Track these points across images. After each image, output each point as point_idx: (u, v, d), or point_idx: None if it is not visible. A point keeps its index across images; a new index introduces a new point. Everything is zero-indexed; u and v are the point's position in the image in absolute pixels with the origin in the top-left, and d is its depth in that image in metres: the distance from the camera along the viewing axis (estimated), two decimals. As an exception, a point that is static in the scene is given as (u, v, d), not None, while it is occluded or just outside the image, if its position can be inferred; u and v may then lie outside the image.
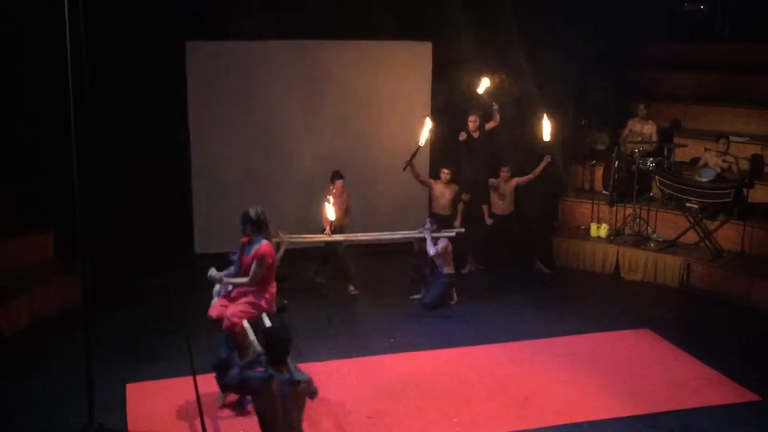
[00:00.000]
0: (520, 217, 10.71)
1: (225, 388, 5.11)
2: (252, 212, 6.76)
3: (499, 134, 10.69)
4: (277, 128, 10.85)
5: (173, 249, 10.35)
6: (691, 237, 10.60)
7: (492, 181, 10.52)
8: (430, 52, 11.34)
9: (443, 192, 10.17)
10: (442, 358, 8.18)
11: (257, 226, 6.76)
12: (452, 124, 10.73)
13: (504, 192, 10.54)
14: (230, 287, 6.88)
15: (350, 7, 10.51)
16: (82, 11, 6.08)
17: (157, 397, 7.22)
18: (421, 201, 10.99)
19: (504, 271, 10.62)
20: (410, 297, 9.69)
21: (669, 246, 10.62)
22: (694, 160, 11.25)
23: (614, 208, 11.13)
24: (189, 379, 6.12)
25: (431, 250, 9.22)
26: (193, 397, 6.18)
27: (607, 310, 9.50)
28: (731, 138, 10.78)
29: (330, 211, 8.93)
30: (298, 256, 9.66)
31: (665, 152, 11.08)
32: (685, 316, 9.53)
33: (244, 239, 6.86)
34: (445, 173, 10.12)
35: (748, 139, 11.24)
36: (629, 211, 11.00)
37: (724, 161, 10.57)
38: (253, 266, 6.70)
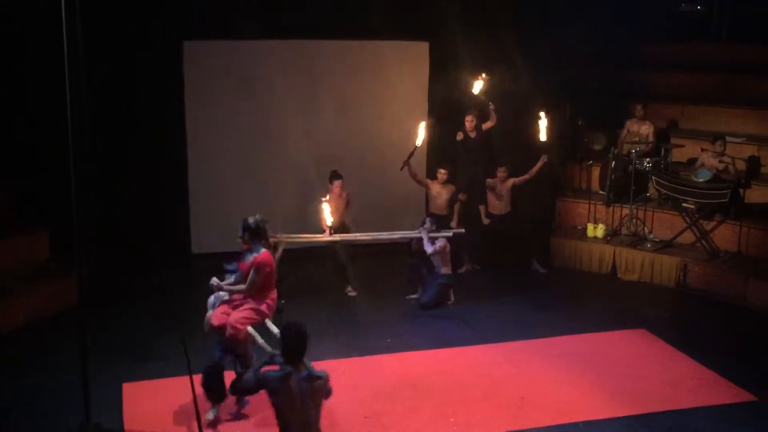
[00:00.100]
0: (516, 218, 10.72)
1: (241, 391, 5.08)
2: (251, 220, 6.73)
3: (496, 134, 10.69)
4: (275, 128, 10.85)
5: (170, 249, 10.34)
6: (688, 237, 10.62)
7: (489, 181, 10.53)
8: (427, 52, 11.35)
9: (440, 192, 10.17)
10: (439, 358, 8.18)
11: (256, 235, 6.74)
12: (449, 124, 10.73)
13: (501, 192, 10.55)
14: (226, 296, 6.84)
15: (347, 7, 10.51)
16: (80, 11, 6.08)
17: (154, 396, 7.22)
18: (418, 201, 11.00)
19: (501, 272, 10.62)
20: (407, 297, 9.69)
21: (666, 246, 10.63)
22: (691, 161, 11.27)
23: (611, 208, 11.15)
24: (186, 379, 6.09)
25: (428, 248, 9.22)
26: (190, 396, 6.16)
27: (603, 310, 9.51)
28: (728, 138, 10.81)
29: (327, 214, 8.90)
30: (296, 256, 9.66)
31: (662, 152, 11.09)
32: (682, 316, 9.54)
33: (244, 246, 6.85)
34: (441, 173, 10.12)
35: (744, 139, 11.26)
36: (626, 211, 11.01)
37: (720, 162, 10.59)
38: (251, 274, 6.70)
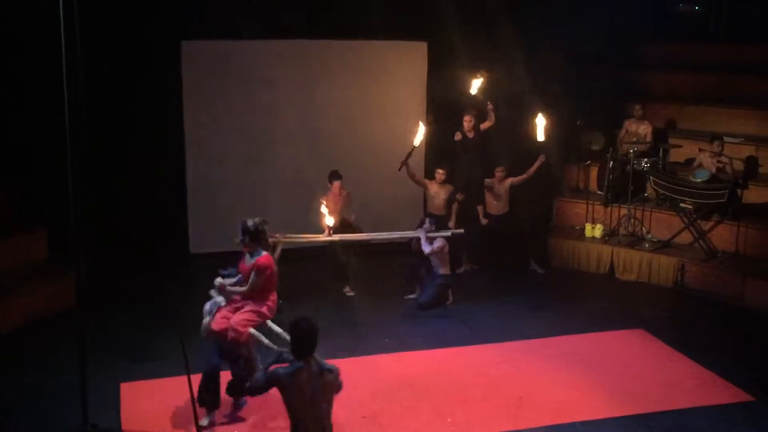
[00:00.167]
0: (514, 218, 10.72)
1: (250, 391, 5.06)
2: (250, 224, 6.69)
3: (494, 134, 10.70)
4: (272, 127, 10.86)
5: (168, 248, 10.33)
6: (686, 237, 10.63)
7: (487, 181, 10.53)
8: (425, 52, 11.35)
9: (438, 192, 10.17)
10: (437, 358, 8.18)
11: (256, 238, 6.73)
12: (447, 124, 10.73)
13: (499, 192, 10.55)
14: (223, 303, 6.81)
15: (346, 6, 10.51)
16: (78, 11, 6.08)
17: (152, 396, 7.22)
18: (416, 201, 11.00)
19: (499, 272, 10.62)
20: (405, 297, 9.69)
21: (663, 246, 10.64)
22: (689, 161, 11.28)
23: (609, 208, 11.16)
24: (183, 379, 6.09)
25: (426, 248, 9.22)
26: (188, 396, 6.16)
27: (601, 311, 9.51)
28: (726, 139, 10.81)
29: (327, 216, 8.87)
30: (294, 256, 9.65)
31: (660, 153, 11.10)
32: (680, 316, 9.55)
33: (245, 249, 6.84)
34: (439, 173, 10.11)
35: (742, 140, 11.28)
36: (624, 211, 11.02)
37: (718, 162, 10.60)
38: (252, 277, 6.69)
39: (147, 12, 9.83)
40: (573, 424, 6.89)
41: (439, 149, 10.99)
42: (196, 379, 6.57)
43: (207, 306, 6.80)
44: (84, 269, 6.50)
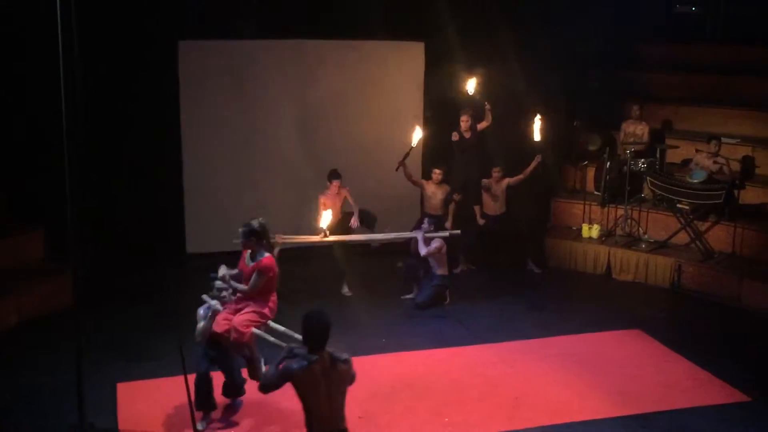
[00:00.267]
0: (512, 218, 10.73)
1: (264, 388, 5.02)
2: (256, 224, 6.65)
3: (491, 134, 10.70)
4: (270, 128, 10.85)
5: (165, 248, 10.32)
6: (682, 238, 10.64)
7: (485, 181, 10.54)
8: (422, 52, 11.35)
9: (435, 192, 10.17)
10: (434, 358, 8.18)
11: (263, 237, 6.71)
12: (444, 125, 10.73)
13: (496, 192, 10.56)
14: (219, 307, 6.78)
15: (343, 7, 10.50)
16: (75, 11, 6.07)
17: (148, 397, 7.21)
18: (413, 201, 10.99)
19: (496, 272, 10.63)
20: (402, 297, 9.69)
21: (660, 247, 10.65)
22: (686, 162, 11.29)
23: (606, 209, 11.16)
24: (180, 379, 6.10)
25: (422, 250, 9.22)
26: (184, 397, 6.17)
27: (598, 311, 9.52)
28: (722, 139, 10.83)
29: (324, 220, 8.84)
30: (292, 256, 9.64)
31: (657, 153, 11.12)
32: (676, 317, 9.55)
33: (244, 251, 6.81)
34: (436, 173, 10.12)
35: (739, 140, 11.28)
36: (621, 212, 11.03)
37: (715, 162, 10.61)
38: (254, 277, 6.67)
39: (144, 12, 9.81)
40: (570, 424, 6.89)
41: (436, 149, 10.98)
42: (193, 379, 6.57)
43: (201, 311, 6.75)
44: (81, 269, 6.49)
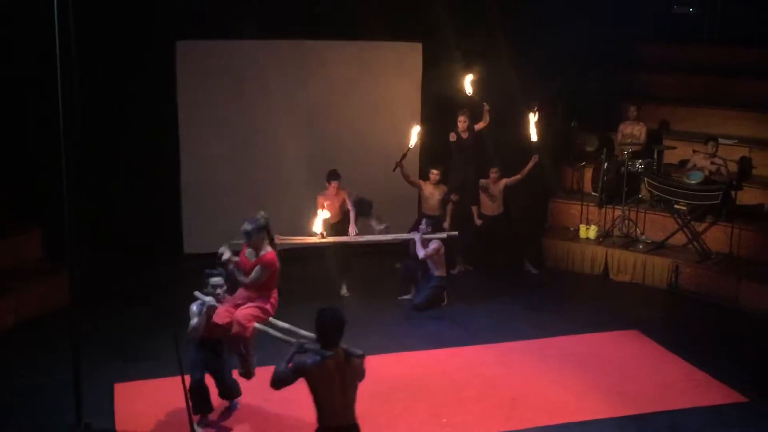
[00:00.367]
0: (509, 218, 10.74)
1: (275, 384, 4.99)
2: (261, 219, 6.66)
3: (489, 135, 10.70)
4: (268, 128, 10.85)
5: (163, 248, 10.31)
6: (680, 239, 10.64)
7: (482, 181, 10.54)
8: (420, 52, 11.36)
9: (432, 193, 10.16)
10: (432, 358, 8.18)
11: (267, 231, 6.71)
12: (442, 125, 10.74)
13: (493, 193, 10.56)
14: (214, 303, 6.73)
15: (341, 7, 10.51)
16: (72, 12, 6.07)
17: (146, 397, 7.21)
18: (411, 202, 10.99)
19: (493, 272, 10.63)
20: (400, 297, 9.69)
21: (657, 247, 10.66)
22: (683, 162, 11.30)
23: (603, 209, 11.16)
24: (177, 379, 6.10)
25: (421, 252, 9.19)
26: (182, 397, 6.17)
27: (595, 312, 9.52)
28: (720, 140, 10.83)
29: (317, 223, 8.81)
30: (291, 256, 9.62)
31: (654, 154, 11.13)
32: (674, 318, 9.57)
33: (245, 247, 6.79)
34: (434, 174, 10.11)
35: (736, 141, 11.30)
36: (618, 212, 11.04)
37: (712, 163, 10.62)
38: (257, 270, 6.65)
39: (141, 12, 9.81)
40: (567, 425, 6.89)
41: (433, 150, 10.98)
42: (189, 383, 6.55)
43: (194, 307, 6.67)
44: (78, 269, 6.48)
